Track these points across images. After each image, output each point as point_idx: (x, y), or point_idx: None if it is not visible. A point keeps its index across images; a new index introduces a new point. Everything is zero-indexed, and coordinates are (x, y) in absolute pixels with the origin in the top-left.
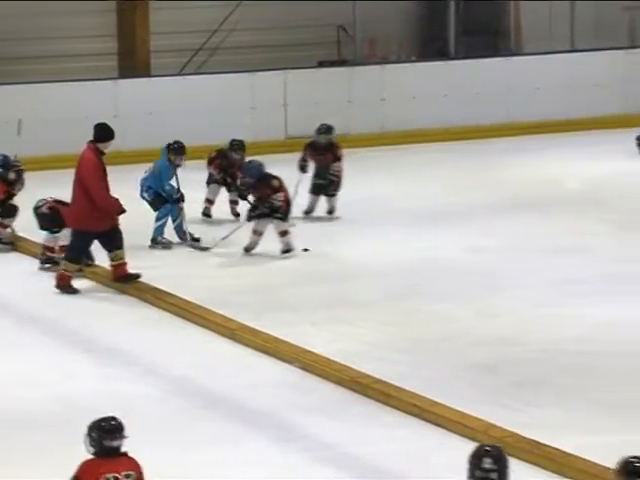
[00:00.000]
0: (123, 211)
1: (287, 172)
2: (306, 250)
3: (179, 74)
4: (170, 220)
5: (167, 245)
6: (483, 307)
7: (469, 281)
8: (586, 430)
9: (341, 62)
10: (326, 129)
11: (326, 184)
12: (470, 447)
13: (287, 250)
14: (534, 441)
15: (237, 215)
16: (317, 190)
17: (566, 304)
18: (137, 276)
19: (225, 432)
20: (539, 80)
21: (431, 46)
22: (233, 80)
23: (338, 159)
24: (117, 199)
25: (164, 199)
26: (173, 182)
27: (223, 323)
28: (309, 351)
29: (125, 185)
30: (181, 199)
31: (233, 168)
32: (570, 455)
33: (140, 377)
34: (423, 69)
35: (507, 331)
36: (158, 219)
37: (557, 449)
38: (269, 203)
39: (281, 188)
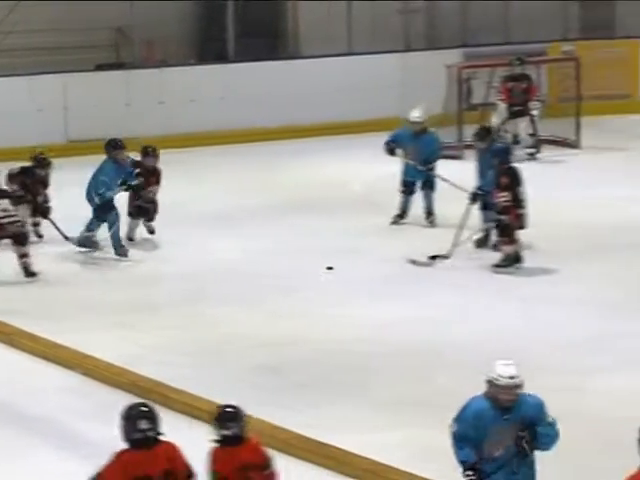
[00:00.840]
0: None
1: (69, 176)
2: (330, 269)
3: None
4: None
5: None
6: (266, 308)
7: (253, 283)
8: (368, 428)
9: (119, 65)
10: (154, 151)
11: (150, 208)
12: None
13: (30, 274)
14: (316, 441)
15: (40, 236)
16: (141, 213)
17: (347, 304)
18: None
19: (3, 441)
20: (318, 83)
21: (210, 48)
22: (10, 83)
23: (159, 182)
24: None
25: (110, 207)
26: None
27: None
28: (90, 356)
29: None
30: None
31: (37, 185)
32: (351, 454)
33: None
34: (202, 72)
35: (290, 332)
36: (110, 227)
37: (338, 448)
38: None
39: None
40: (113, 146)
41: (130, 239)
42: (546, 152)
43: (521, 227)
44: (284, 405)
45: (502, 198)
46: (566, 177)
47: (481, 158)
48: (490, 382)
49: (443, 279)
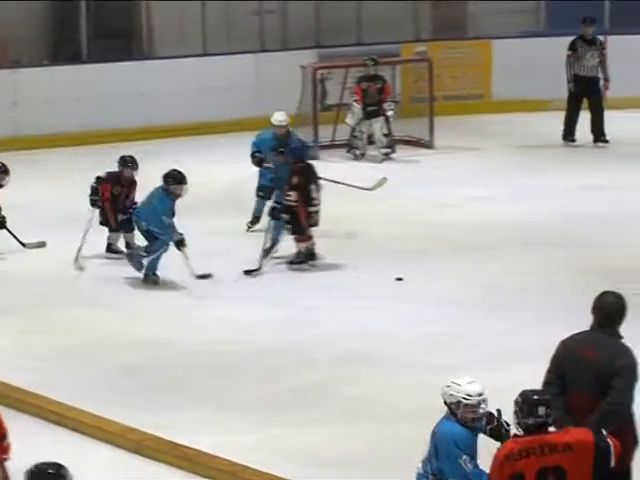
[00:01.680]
0: None
1: None
2: (400, 279)
3: None
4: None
5: (157, 281)
6: (128, 311)
7: (114, 285)
8: (225, 430)
9: None
10: (133, 162)
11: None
12: (107, 449)
13: None
14: (171, 442)
15: None
16: (122, 226)
17: (206, 306)
18: None
19: None
20: (172, 83)
21: (63, 49)
22: None
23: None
24: None
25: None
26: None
27: None
28: None
29: None
30: (181, 243)
31: None
32: (205, 454)
33: None
34: (56, 73)
35: (151, 334)
36: (151, 252)
37: (192, 448)
38: None
39: None
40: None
41: (116, 251)
42: (401, 152)
43: (312, 225)
44: (141, 407)
45: (288, 197)
46: (421, 177)
47: (279, 172)
48: (458, 403)
49: (304, 280)
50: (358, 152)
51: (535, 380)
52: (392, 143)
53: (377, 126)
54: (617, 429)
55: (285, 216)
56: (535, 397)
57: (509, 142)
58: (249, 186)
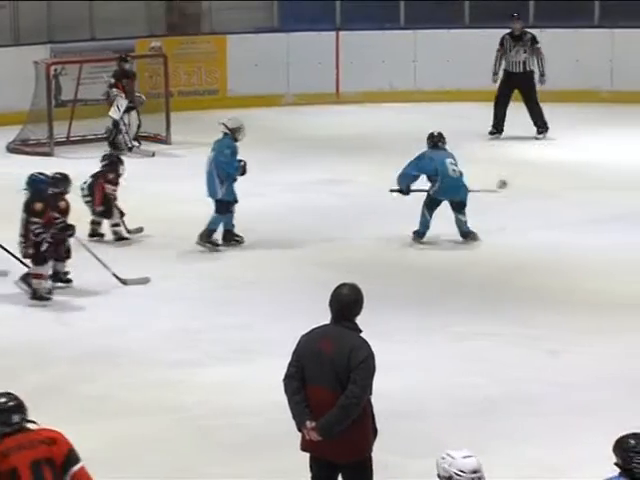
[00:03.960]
0: None
1: None
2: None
3: None
4: None
5: None
6: None
7: None
8: None
9: None
10: None
11: None
12: None
13: None
14: None
15: None
16: None
17: None
18: None
19: None
20: None
21: None
22: None
23: None
24: None
25: None
26: None
27: None
28: None
29: None
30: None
31: None
32: None
33: None
34: None
35: None
36: None
37: None
38: None
39: None
40: None
41: None
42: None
43: None
44: None
45: None
46: (157, 172)
47: None
48: (449, 478)
49: None
50: (123, 147)
51: (277, 373)
52: (137, 136)
53: (134, 119)
54: (356, 420)
55: None
56: (6, 404)
57: (245, 137)
58: None
